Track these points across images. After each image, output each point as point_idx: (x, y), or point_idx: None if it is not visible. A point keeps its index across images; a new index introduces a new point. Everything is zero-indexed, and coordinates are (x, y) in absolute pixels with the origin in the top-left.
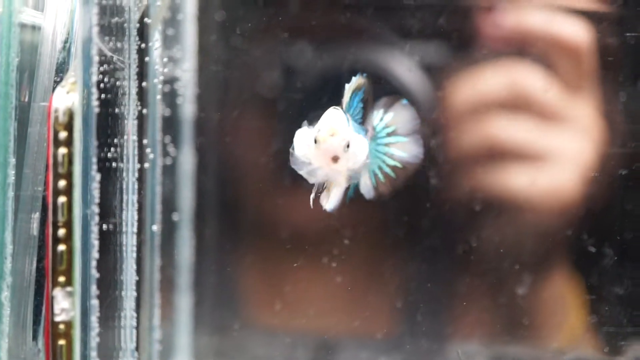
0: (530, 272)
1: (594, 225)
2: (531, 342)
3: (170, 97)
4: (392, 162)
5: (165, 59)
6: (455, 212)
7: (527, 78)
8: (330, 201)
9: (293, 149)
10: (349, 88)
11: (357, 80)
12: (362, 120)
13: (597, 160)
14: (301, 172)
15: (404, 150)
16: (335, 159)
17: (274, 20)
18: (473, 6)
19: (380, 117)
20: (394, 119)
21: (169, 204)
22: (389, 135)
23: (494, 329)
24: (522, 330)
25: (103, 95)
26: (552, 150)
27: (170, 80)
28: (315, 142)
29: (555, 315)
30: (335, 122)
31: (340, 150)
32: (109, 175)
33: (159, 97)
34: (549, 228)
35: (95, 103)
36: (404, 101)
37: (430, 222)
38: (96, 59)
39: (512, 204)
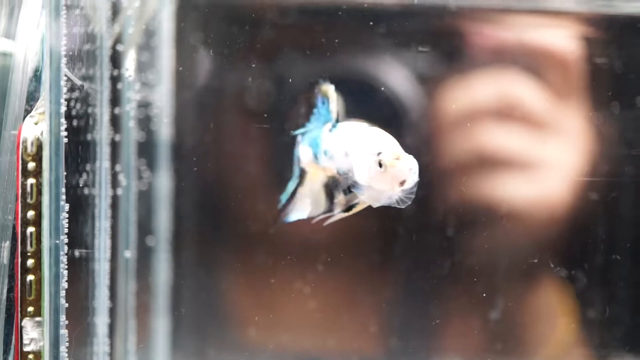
0: (519, 282)
1: (583, 235)
2: (519, 355)
3: (145, 122)
4: None
5: (139, 85)
6: (445, 221)
7: (517, 88)
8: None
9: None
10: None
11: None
12: None
13: (585, 168)
14: (363, 197)
15: None
16: (403, 183)
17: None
18: (465, 18)
19: None
20: None
21: (145, 228)
22: None
23: (482, 341)
24: (509, 342)
25: (75, 122)
26: (541, 159)
27: (145, 105)
28: (381, 166)
29: (544, 327)
30: (394, 144)
31: (409, 174)
32: (80, 202)
33: (132, 124)
34: (538, 237)
35: (63, 134)
36: None
37: (420, 233)
38: (64, 89)
39: (503, 213)
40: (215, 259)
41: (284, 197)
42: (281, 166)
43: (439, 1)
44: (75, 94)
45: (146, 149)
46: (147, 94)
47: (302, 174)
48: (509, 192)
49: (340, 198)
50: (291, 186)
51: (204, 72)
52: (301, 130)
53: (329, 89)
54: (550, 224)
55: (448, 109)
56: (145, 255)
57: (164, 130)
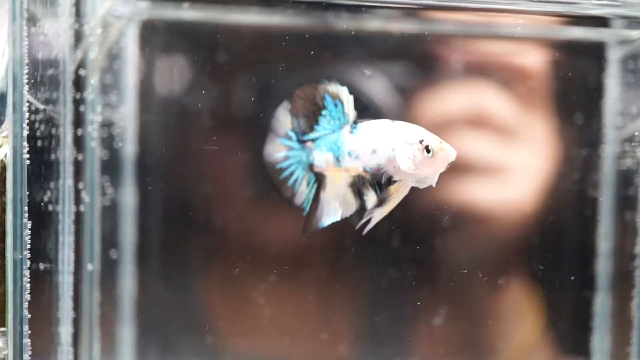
0: (489, 284)
1: (550, 238)
2: (486, 354)
3: (109, 141)
4: None
5: (102, 106)
6: (417, 224)
7: (488, 98)
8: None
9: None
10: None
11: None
12: None
13: (551, 175)
14: (410, 183)
15: None
16: (449, 164)
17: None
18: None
19: None
20: None
21: (110, 242)
22: None
23: (452, 342)
24: (478, 342)
25: (39, 143)
26: (509, 165)
27: (108, 125)
28: (429, 151)
29: (510, 328)
30: (430, 133)
31: (454, 155)
32: (44, 218)
33: (94, 144)
34: (507, 240)
35: (26, 156)
36: None
37: (393, 236)
38: (26, 114)
39: (473, 217)
40: (179, 270)
41: (306, 205)
42: (241, 181)
43: (416, 29)
44: (39, 117)
45: (110, 167)
46: (111, 114)
47: (321, 178)
48: (478, 196)
49: (370, 194)
50: (310, 193)
51: (166, 92)
52: (312, 136)
53: (341, 90)
54: (518, 226)
55: (424, 117)
56: (110, 267)
57: (128, 148)
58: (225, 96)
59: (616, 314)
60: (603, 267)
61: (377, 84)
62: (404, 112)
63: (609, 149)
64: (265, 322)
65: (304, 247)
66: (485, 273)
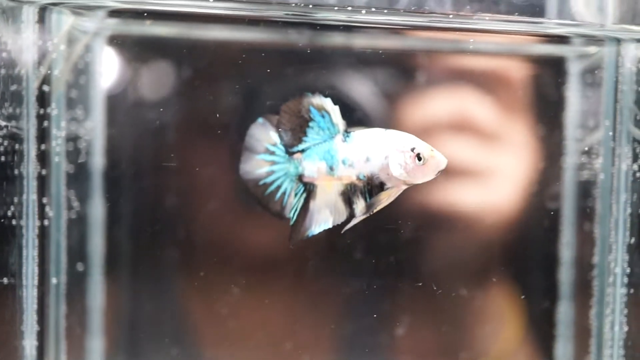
0: (470, 285)
1: (531, 241)
2: (467, 355)
3: (75, 155)
4: None
5: (67, 121)
6: (400, 227)
7: (471, 104)
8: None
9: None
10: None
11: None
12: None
13: (532, 178)
14: (401, 189)
15: None
16: (440, 171)
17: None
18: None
19: None
20: None
21: (77, 254)
22: None
23: (432, 342)
24: (459, 343)
25: (2, 158)
26: (490, 169)
27: (74, 139)
28: (420, 159)
29: (492, 329)
30: (420, 140)
31: (444, 162)
32: (7, 233)
33: (58, 159)
34: (489, 242)
35: None
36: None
37: (376, 238)
38: None
39: (457, 219)
40: (147, 281)
41: (292, 214)
42: (209, 192)
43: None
44: (2, 133)
45: (76, 180)
46: (77, 128)
47: (311, 188)
48: (461, 199)
49: (360, 202)
50: (298, 202)
51: (133, 105)
52: (302, 147)
53: (325, 102)
54: (499, 229)
55: (409, 121)
56: (77, 280)
57: (95, 161)
58: (192, 110)
59: (577, 323)
60: (565, 276)
61: (362, 91)
62: (388, 118)
63: (570, 160)
64: (233, 332)
65: (273, 257)
66: (465, 276)
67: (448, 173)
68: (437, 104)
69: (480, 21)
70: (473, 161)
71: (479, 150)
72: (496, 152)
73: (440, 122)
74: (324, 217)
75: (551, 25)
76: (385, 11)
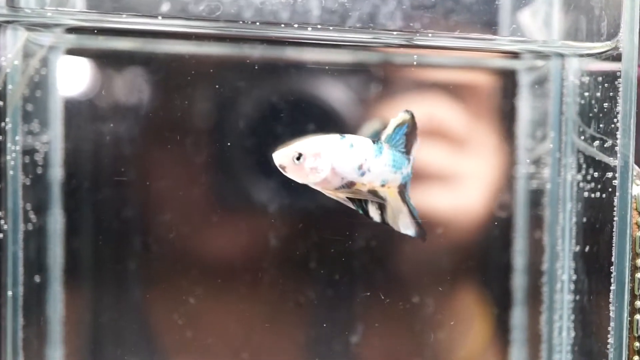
0: (441, 288)
1: (500, 242)
2: (436, 356)
3: (32, 167)
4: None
5: (23, 134)
6: (371, 230)
7: (440, 110)
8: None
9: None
10: (394, 122)
11: (402, 116)
12: (407, 151)
13: (499, 181)
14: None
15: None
16: (282, 167)
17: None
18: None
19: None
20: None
21: (36, 266)
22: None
23: (402, 345)
24: (428, 345)
25: None
26: (460, 173)
27: (31, 152)
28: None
29: (461, 331)
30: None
31: (286, 161)
32: None
33: (11, 172)
34: (459, 245)
35: None
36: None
37: (350, 241)
38: None
39: (426, 222)
40: (107, 292)
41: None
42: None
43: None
44: None
45: (33, 192)
46: (33, 141)
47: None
48: (432, 203)
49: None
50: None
51: (90, 118)
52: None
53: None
54: (469, 232)
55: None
56: (35, 291)
57: (52, 173)
58: (149, 121)
59: (530, 328)
60: (518, 282)
61: (335, 97)
62: (360, 122)
63: (521, 169)
64: (192, 341)
65: (231, 266)
66: (436, 279)
67: (426, 176)
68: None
69: (436, 39)
70: (436, 166)
71: (440, 156)
72: (457, 158)
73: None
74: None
75: (503, 42)
76: (331, 28)
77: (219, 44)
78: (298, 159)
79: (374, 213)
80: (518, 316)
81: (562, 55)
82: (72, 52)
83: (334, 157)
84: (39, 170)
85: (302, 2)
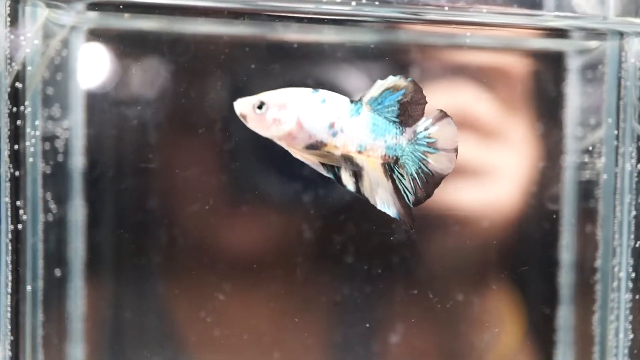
0: (470, 285)
1: (530, 243)
2: (466, 357)
3: (52, 155)
4: (426, 170)
5: (44, 119)
6: (398, 226)
7: (471, 100)
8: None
9: None
10: (380, 84)
11: (394, 80)
12: (400, 120)
13: (530, 176)
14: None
15: (437, 161)
16: (243, 116)
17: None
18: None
19: (425, 126)
20: (437, 132)
21: (56, 259)
22: (428, 145)
23: (431, 343)
24: (458, 345)
25: None
26: (493, 166)
27: (51, 138)
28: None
29: (492, 330)
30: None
31: (247, 109)
32: None
33: (30, 159)
34: (489, 241)
35: None
36: (451, 119)
37: (374, 237)
38: None
39: (454, 217)
40: (129, 286)
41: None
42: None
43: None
44: None
45: (54, 181)
46: (54, 127)
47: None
48: (461, 198)
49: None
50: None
51: (113, 103)
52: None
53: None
54: (500, 228)
55: None
56: (55, 285)
57: (74, 161)
58: (175, 107)
59: (579, 329)
60: (565, 279)
61: (356, 86)
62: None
63: (570, 159)
64: (218, 338)
65: (260, 260)
66: (462, 280)
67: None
68: (434, 98)
69: (477, 14)
70: (470, 159)
71: (476, 148)
72: (494, 149)
73: None
74: None
75: (550, 18)
76: (377, 3)
77: (251, 23)
78: (260, 107)
79: (348, 180)
80: (565, 316)
81: (621, 34)
82: (94, 32)
83: (301, 110)
84: (60, 158)
85: None
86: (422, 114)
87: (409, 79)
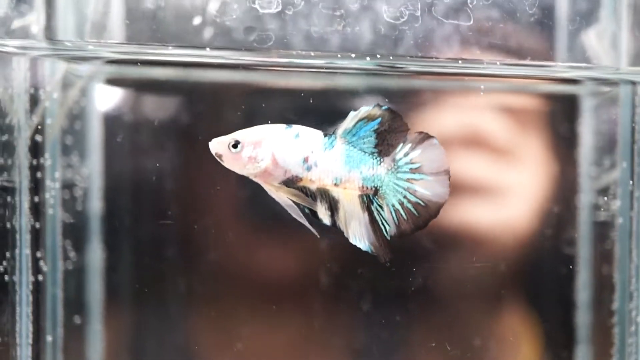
0: (486, 306)
1: (547, 259)
2: None
3: (71, 203)
4: (414, 199)
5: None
6: (413, 245)
7: (484, 118)
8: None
9: None
10: (353, 115)
11: (367, 110)
12: (379, 150)
13: (547, 195)
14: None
15: (428, 188)
16: (218, 156)
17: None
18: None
19: (404, 152)
20: (420, 156)
21: (75, 306)
22: (412, 171)
23: None
24: None
25: None
26: (505, 186)
27: (70, 186)
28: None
29: (509, 351)
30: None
31: (222, 148)
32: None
33: (51, 211)
34: (504, 261)
35: None
36: (435, 140)
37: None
38: None
39: (470, 238)
40: (149, 329)
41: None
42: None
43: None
44: None
45: (72, 229)
46: (72, 175)
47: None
48: (475, 217)
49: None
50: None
51: (130, 149)
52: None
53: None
54: (514, 248)
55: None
56: (75, 332)
57: (92, 207)
58: (191, 153)
59: None
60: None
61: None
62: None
63: (585, 199)
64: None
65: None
66: (481, 295)
67: (459, 191)
68: (449, 120)
69: (490, 67)
70: (486, 182)
71: (491, 172)
72: (509, 173)
73: (453, 137)
74: None
75: (562, 69)
76: (391, 58)
77: (266, 72)
78: (235, 146)
79: (324, 214)
80: (582, 356)
81: (633, 83)
82: (111, 81)
83: (275, 146)
84: (79, 206)
85: (352, 30)
86: (402, 141)
87: (384, 107)
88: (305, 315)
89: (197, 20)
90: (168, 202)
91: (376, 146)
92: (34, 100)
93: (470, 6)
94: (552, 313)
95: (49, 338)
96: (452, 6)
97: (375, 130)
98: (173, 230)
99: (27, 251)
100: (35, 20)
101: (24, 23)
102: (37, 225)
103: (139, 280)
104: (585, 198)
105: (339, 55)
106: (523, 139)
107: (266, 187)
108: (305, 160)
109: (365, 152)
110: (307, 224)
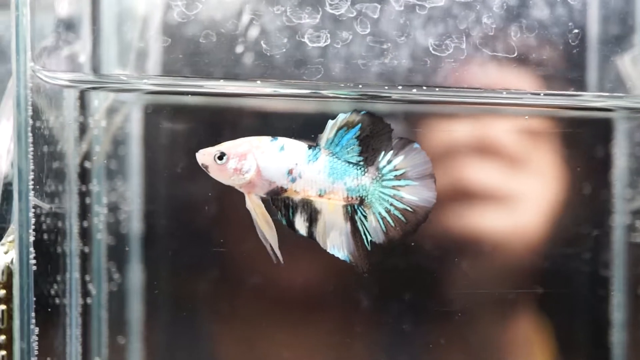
0: (497, 313)
1: (557, 265)
2: None
3: (115, 226)
4: (401, 206)
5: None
6: (425, 253)
7: (495, 126)
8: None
9: None
10: (332, 124)
11: (344, 117)
12: (365, 158)
13: (558, 202)
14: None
15: (414, 193)
16: (205, 167)
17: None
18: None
19: (387, 159)
20: (404, 162)
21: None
22: (397, 177)
23: None
24: None
25: (46, 236)
26: (516, 193)
27: (114, 209)
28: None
29: (521, 357)
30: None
31: (208, 159)
32: (51, 312)
33: (99, 235)
34: (514, 268)
35: (32, 262)
36: (416, 145)
37: (401, 265)
38: (32, 218)
39: (479, 244)
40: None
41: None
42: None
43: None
44: (44, 211)
45: (116, 251)
46: (116, 199)
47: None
48: (486, 225)
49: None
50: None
51: (171, 173)
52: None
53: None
54: (526, 255)
55: (431, 144)
56: (119, 352)
57: (132, 227)
58: None
59: None
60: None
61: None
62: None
63: (619, 220)
64: None
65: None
66: (493, 303)
67: (478, 196)
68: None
69: (521, 96)
70: (500, 191)
71: (506, 180)
72: (522, 183)
73: (467, 146)
74: None
75: (591, 98)
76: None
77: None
78: (220, 158)
79: (301, 225)
80: None
81: None
82: (153, 108)
83: (260, 158)
84: (123, 229)
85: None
86: (389, 145)
87: (363, 112)
88: (345, 334)
89: (239, 49)
90: (206, 224)
91: (361, 153)
92: (83, 128)
93: (511, 35)
94: (586, 332)
95: (96, 359)
96: (489, 35)
97: (357, 137)
98: (213, 252)
99: (76, 275)
100: (81, 49)
101: (71, 52)
102: (86, 249)
103: (178, 300)
104: (619, 219)
105: (386, 87)
106: (535, 149)
107: (248, 200)
108: (290, 172)
109: (349, 163)
110: (269, 248)
